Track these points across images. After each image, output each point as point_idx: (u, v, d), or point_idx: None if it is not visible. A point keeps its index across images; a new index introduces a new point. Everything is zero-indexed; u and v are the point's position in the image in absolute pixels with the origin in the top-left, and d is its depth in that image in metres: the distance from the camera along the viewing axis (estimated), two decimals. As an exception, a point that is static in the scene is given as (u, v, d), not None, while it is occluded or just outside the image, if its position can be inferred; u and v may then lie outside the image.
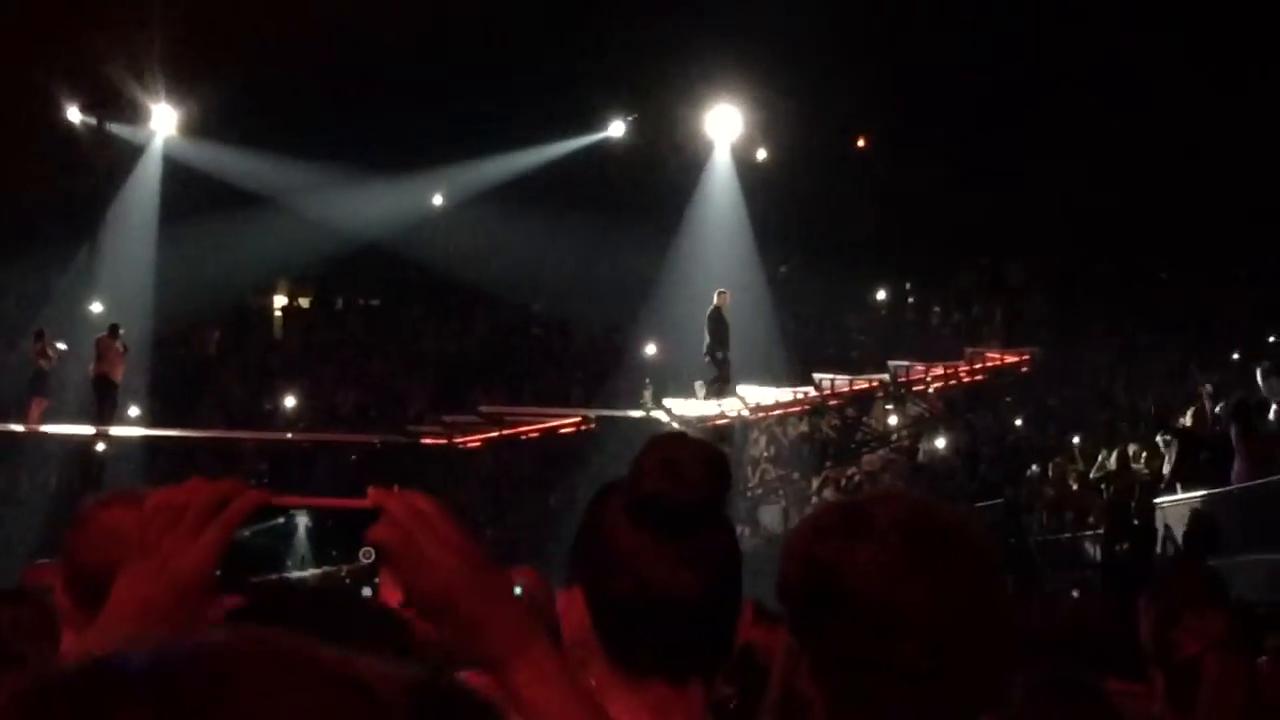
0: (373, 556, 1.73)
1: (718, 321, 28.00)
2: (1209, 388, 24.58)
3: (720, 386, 28.41)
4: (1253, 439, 19.63)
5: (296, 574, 1.75)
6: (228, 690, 0.83)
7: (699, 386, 28.89)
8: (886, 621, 1.99)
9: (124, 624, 1.66)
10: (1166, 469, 21.53)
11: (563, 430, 29.97)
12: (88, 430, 27.97)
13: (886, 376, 29.62)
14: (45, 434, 28.08)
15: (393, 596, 1.73)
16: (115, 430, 28.33)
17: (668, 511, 2.23)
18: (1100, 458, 23.20)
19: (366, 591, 1.75)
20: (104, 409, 27.68)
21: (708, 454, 2.32)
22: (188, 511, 1.69)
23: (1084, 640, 4.23)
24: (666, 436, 2.40)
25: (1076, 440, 25.28)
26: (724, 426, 28.79)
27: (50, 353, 27.91)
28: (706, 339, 28.07)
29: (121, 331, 27.98)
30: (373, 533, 1.71)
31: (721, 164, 35.58)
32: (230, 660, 0.86)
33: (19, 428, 27.84)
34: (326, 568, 1.75)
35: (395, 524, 1.70)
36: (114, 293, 32.93)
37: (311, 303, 41.20)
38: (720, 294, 28.28)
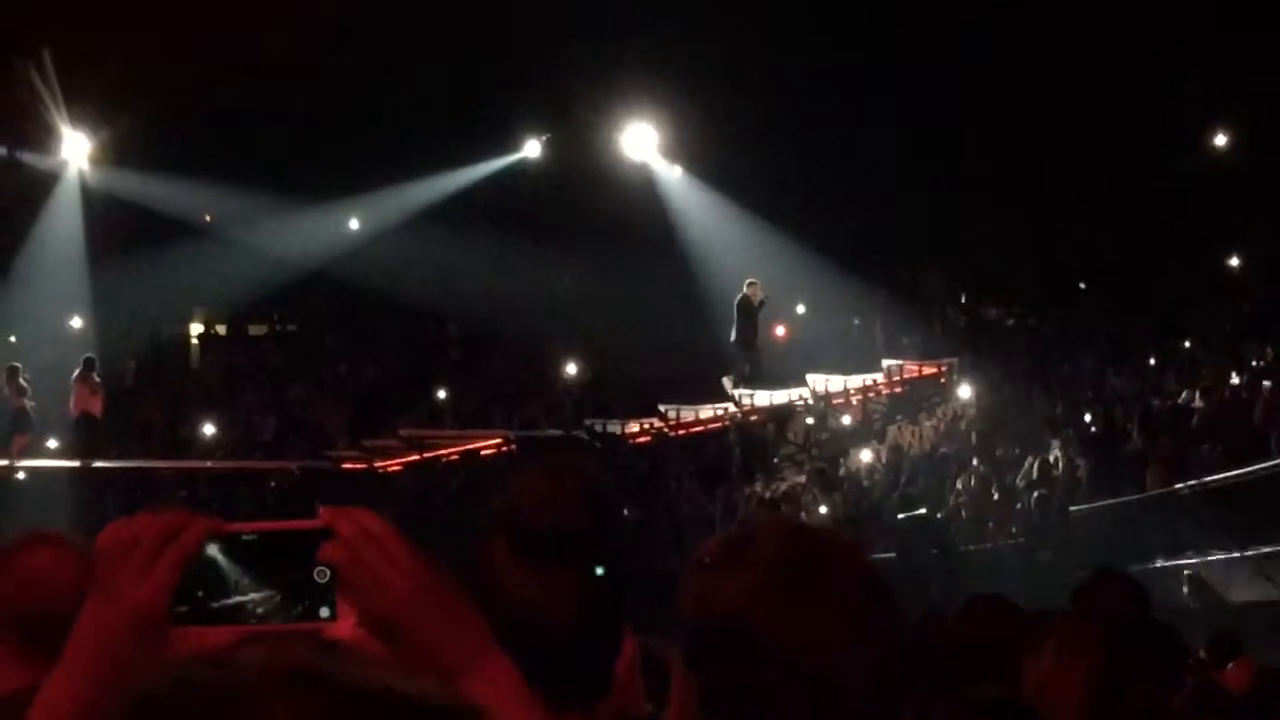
0: (327, 576, 1.70)
1: (746, 312, 27.93)
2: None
3: (749, 377, 28.50)
4: (1163, 446, 19.80)
5: (251, 595, 1.71)
6: None
7: (727, 381, 28.98)
8: (761, 652, 1.98)
9: (86, 664, 1.66)
10: (1082, 475, 21.68)
11: (484, 452, 29.90)
12: (72, 464, 27.67)
13: (807, 390, 29.68)
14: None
15: (348, 616, 1.71)
16: (99, 463, 28.01)
17: (541, 541, 2.29)
18: (1027, 465, 23.28)
19: (324, 612, 1.71)
20: (87, 445, 27.56)
21: (585, 486, 2.40)
22: (139, 546, 1.67)
23: (981, 654, 4.19)
24: (547, 468, 2.44)
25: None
26: (646, 444, 28.78)
27: (24, 389, 27.38)
28: (735, 327, 28.05)
29: (96, 365, 27.83)
30: (324, 552, 1.70)
31: (670, 179, 35.35)
32: None
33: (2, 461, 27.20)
34: (267, 590, 1.71)
35: (346, 544, 1.70)
36: (29, 325, 32.72)
37: (228, 330, 40.97)
38: (750, 284, 28.14)
